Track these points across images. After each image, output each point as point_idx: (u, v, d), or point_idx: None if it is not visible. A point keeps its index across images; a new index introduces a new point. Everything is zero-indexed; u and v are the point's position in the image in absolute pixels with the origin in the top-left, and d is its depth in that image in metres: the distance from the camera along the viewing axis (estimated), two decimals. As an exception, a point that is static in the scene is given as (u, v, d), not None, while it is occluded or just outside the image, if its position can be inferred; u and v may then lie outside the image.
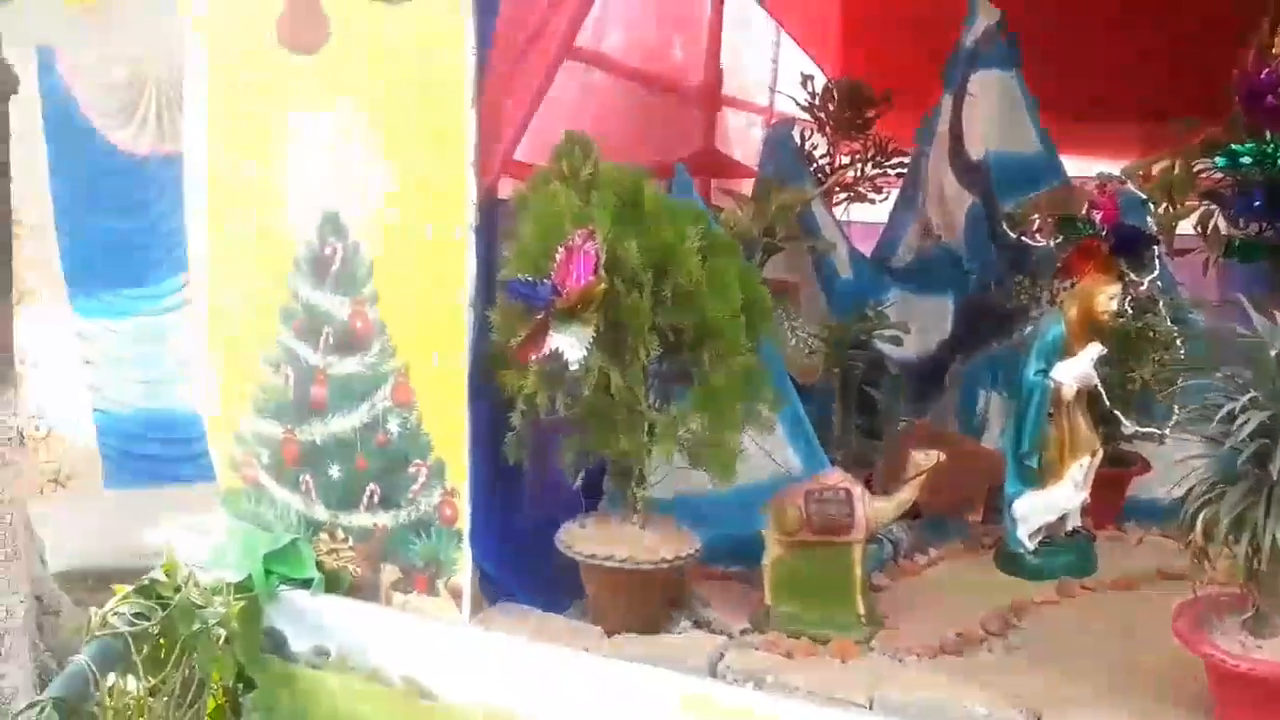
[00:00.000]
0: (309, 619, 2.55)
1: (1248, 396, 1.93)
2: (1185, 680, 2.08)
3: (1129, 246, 2.98)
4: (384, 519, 2.56)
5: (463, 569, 2.48)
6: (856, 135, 4.33)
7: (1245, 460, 1.93)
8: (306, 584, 2.58)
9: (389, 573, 2.57)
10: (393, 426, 2.51)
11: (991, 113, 3.90)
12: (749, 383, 2.40)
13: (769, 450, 2.81)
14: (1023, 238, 3.32)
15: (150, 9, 3.90)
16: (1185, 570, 2.05)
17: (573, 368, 2.23)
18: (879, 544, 2.78)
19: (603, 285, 2.20)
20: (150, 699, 2.36)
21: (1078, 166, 3.92)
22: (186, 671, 2.40)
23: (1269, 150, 3.85)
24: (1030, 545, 2.82)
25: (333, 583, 2.60)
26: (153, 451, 4.74)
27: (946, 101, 3.99)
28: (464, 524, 2.47)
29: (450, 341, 2.44)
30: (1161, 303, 3.12)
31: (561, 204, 2.32)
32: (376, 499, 2.56)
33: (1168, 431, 2.89)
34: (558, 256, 2.23)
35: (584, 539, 2.42)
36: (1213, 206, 4.11)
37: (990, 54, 3.92)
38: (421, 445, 2.49)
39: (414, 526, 2.52)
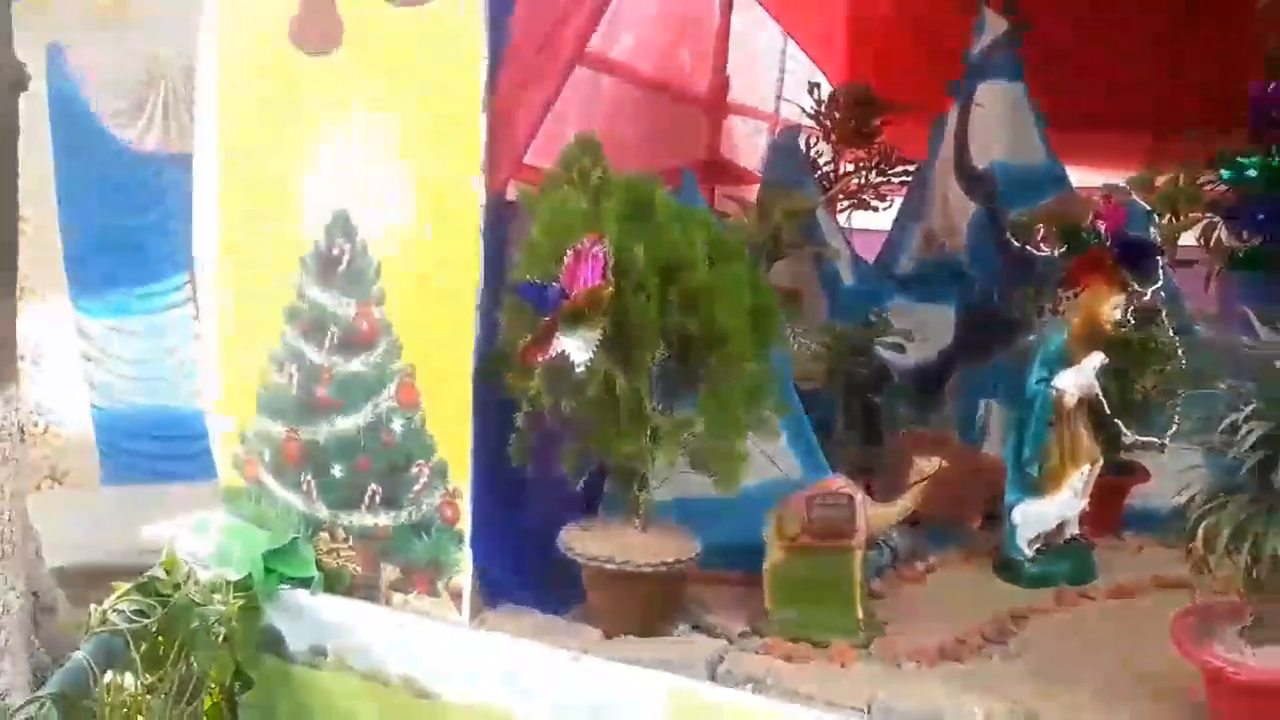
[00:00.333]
0: (307, 618, 2.55)
1: (1251, 408, 1.95)
2: (1183, 688, 2.09)
3: (1132, 257, 2.99)
4: (385, 519, 2.55)
5: (463, 570, 2.48)
6: (862, 143, 4.35)
7: (1247, 471, 1.95)
8: (306, 583, 2.58)
9: (389, 573, 2.57)
10: (396, 427, 2.51)
11: (998, 123, 3.92)
12: (755, 388, 2.41)
13: (770, 456, 2.82)
14: (1027, 247, 3.33)
15: (167, 6, 3.91)
16: (1183, 579, 2.07)
17: (578, 370, 2.24)
18: (879, 550, 2.78)
19: (610, 289, 2.21)
20: (148, 696, 2.36)
21: (1083, 177, 3.93)
22: (185, 669, 2.40)
23: (1274, 164, 3.87)
24: (1029, 553, 2.83)
25: (332, 582, 2.60)
26: (151, 449, 4.75)
27: (953, 111, 4.01)
28: (465, 525, 2.47)
29: (457, 343, 2.44)
30: (1164, 313, 3.13)
31: (571, 208, 2.33)
32: (378, 499, 2.56)
33: (1168, 441, 2.90)
34: (566, 260, 2.24)
35: (585, 541, 2.42)
36: (1216, 219, 4.15)
37: (998, 65, 3.94)
38: (425, 446, 2.49)
39: (415, 527, 2.52)
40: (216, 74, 2.76)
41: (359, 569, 2.61)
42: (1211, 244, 4.18)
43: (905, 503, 2.50)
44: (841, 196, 4.23)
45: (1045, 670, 2.31)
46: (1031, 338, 3.07)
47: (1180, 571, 2.10)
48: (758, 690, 2.20)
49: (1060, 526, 2.86)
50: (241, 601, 2.46)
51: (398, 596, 2.56)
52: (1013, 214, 3.69)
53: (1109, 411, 2.88)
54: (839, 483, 2.50)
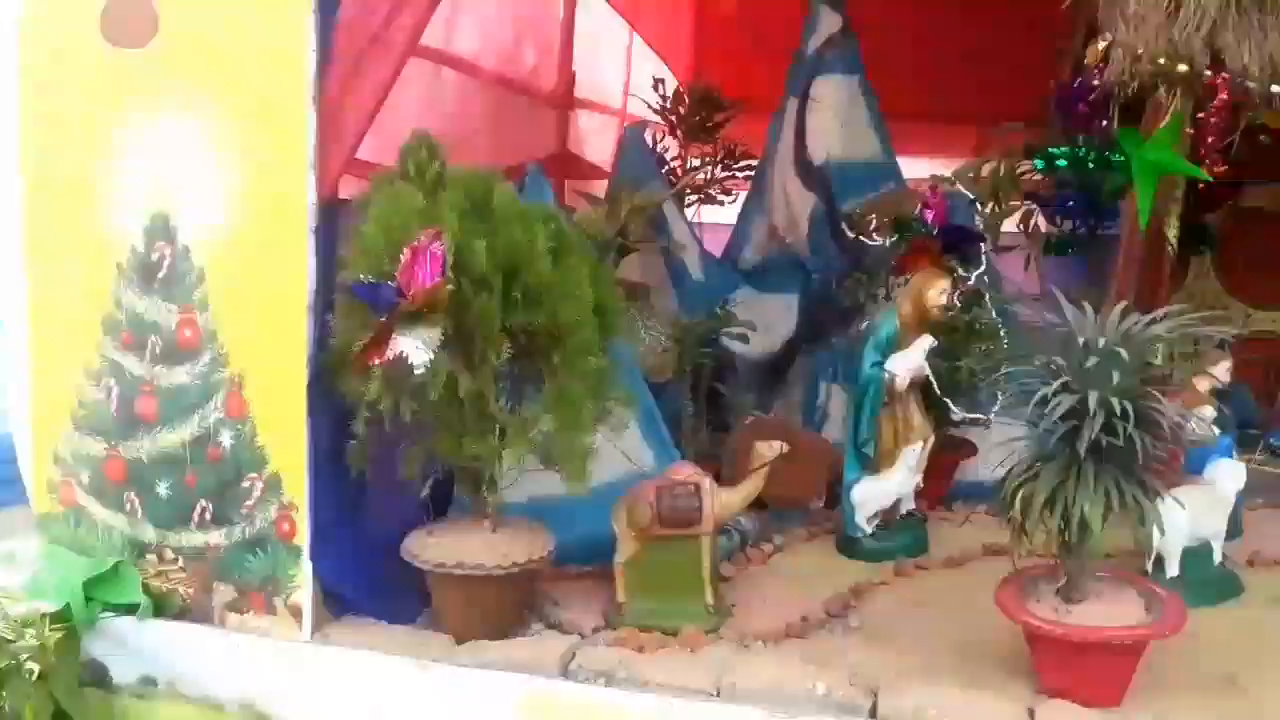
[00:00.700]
0: (134, 646, 2.42)
1: (1060, 381, 2.08)
2: (1009, 647, 2.22)
3: (957, 244, 3.16)
4: (217, 537, 2.44)
5: (303, 586, 2.39)
6: (707, 139, 4.41)
7: (1058, 440, 2.08)
8: (133, 609, 2.44)
9: (223, 593, 2.46)
10: (225, 439, 2.40)
11: (833, 117, 4.04)
12: (600, 383, 2.41)
13: (623, 449, 2.82)
14: (861, 237, 3.47)
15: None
16: (1008, 546, 2.19)
17: (418, 372, 2.18)
18: (728, 535, 2.84)
19: (450, 286, 2.16)
20: (-42, 744, 2.17)
21: (917, 168, 4.10)
22: (-1, 711, 2.22)
23: (1081, 154, 4.17)
24: (868, 529, 2.95)
25: (162, 606, 2.47)
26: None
27: (791, 106, 4.12)
28: (304, 538, 2.38)
29: (288, 348, 2.35)
30: (987, 296, 3.32)
31: (407, 203, 2.27)
32: (209, 516, 2.44)
33: (992, 417, 3.08)
34: (403, 257, 2.17)
35: (431, 548, 2.37)
36: (1033, 206, 4.43)
37: (833, 59, 4.06)
38: (256, 458, 2.39)
39: (250, 543, 2.42)
40: (19, 68, 2.55)
41: (191, 591, 2.48)
42: (1030, 230, 4.47)
43: (748, 487, 2.55)
44: (688, 191, 4.28)
45: (885, 640, 2.41)
46: (866, 324, 3.19)
47: (1005, 539, 2.22)
48: (609, 683, 2.21)
49: (896, 502, 2.99)
50: (59, 634, 2.29)
51: (233, 617, 2.45)
52: (846, 206, 3.84)
53: (939, 391, 3.03)
54: (686, 471, 2.54)
